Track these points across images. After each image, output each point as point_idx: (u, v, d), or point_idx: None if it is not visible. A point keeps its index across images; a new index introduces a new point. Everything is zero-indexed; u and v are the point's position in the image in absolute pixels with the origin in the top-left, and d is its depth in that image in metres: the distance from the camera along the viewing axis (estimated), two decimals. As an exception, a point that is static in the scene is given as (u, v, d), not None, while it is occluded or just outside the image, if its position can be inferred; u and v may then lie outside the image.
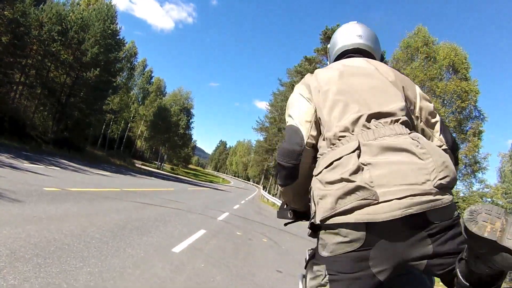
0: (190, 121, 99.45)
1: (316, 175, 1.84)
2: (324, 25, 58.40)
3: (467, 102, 31.24)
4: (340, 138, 1.85)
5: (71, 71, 41.88)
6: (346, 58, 2.44)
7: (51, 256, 5.25)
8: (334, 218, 1.66)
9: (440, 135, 2.13)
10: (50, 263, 4.94)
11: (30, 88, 39.76)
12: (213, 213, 17.15)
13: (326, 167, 1.77)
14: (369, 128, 1.84)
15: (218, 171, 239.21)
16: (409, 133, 1.84)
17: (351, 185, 1.62)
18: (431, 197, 1.60)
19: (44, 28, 36.45)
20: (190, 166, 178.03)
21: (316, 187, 1.80)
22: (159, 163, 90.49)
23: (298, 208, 2.49)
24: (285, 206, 2.53)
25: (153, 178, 37.42)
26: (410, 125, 1.97)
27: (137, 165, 61.31)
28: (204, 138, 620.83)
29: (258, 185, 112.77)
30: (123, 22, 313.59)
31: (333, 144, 1.87)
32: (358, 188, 1.61)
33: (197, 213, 15.63)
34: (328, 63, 2.67)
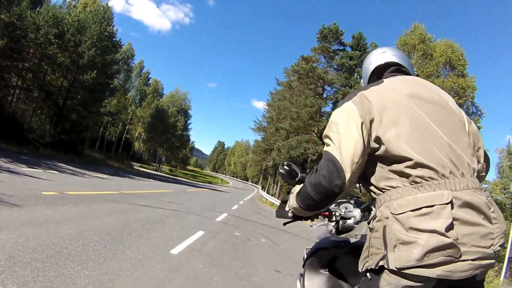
0: (188, 122, 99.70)
1: (395, 214, 1.74)
2: (321, 23, 58.46)
3: (464, 98, 31.25)
4: (428, 180, 1.75)
5: (68, 74, 41.99)
6: (391, 75, 2.30)
7: (50, 260, 5.28)
8: (416, 269, 1.64)
9: (483, 161, 2.15)
10: (48, 267, 4.97)
11: (27, 91, 39.90)
12: (211, 214, 17.19)
13: (413, 210, 1.69)
14: (456, 177, 1.78)
15: (216, 172, 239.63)
16: (484, 190, 1.84)
17: (445, 241, 1.61)
18: (490, 261, 1.70)
19: (41, 31, 36.52)
20: (189, 167, 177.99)
21: (395, 228, 1.71)
22: (158, 165, 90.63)
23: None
24: (286, 207, 2.44)
25: (151, 180, 37.57)
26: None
27: (135, 167, 61.56)
28: (202, 139, 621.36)
29: (257, 185, 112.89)
30: (120, 23, 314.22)
31: (416, 183, 1.76)
32: (451, 245, 1.61)
33: (195, 214, 15.66)
34: (362, 84, 2.56)
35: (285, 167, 2.82)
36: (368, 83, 2.39)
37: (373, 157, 1.90)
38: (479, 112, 33.47)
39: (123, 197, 15.21)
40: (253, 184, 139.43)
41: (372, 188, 1.95)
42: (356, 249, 2.42)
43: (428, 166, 1.75)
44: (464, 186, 1.75)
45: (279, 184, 63.97)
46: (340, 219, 2.93)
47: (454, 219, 1.64)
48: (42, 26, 36.52)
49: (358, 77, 53.32)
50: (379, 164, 1.89)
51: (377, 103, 1.91)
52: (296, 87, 54.52)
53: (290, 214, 2.41)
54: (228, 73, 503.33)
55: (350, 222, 2.92)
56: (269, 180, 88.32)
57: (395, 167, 1.82)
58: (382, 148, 1.84)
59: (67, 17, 41.01)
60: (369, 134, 1.87)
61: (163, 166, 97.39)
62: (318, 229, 3.36)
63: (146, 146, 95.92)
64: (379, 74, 2.38)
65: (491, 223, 1.72)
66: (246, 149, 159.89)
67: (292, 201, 2.21)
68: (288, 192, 2.47)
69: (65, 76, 41.98)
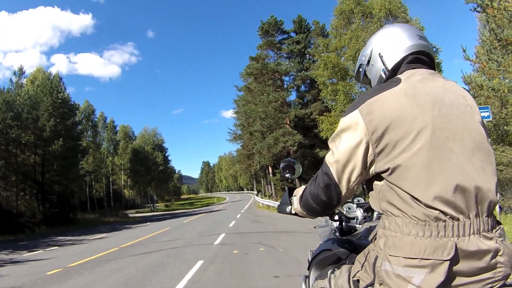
0: (166, 155, 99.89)
1: (388, 254, 1.67)
2: (259, 20, 58.37)
3: None
4: (434, 220, 1.62)
5: (37, 150, 41.94)
6: (408, 68, 1.94)
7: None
8: None
9: None
10: None
11: (4, 179, 39.74)
12: (209, 239, 17.51)
13: (406, 258, 1.61)
14: (468, 218, 1.63)
15: (211, 192, 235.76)
16: (496, 230, 1.71)
17: None
18: None
19: (-2, 118, 36.24)
20: (183, 196, 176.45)
21: (384, 269, 1.69)
22: (151, 205, 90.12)
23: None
24: (287, 201, 2.45)
25: (148, 223, 37.57)
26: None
27: (130, 215, 60.73)
28: (188, 165, 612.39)
29: (253, 191, 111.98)
30: (71, 83, 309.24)
31: (419, 220, 1.63)
32: None
33: (193, 244, 16.12)
34: (372, 71, 2.15)
35: (285, 173, 3.02)
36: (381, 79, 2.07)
37: (379, 175, 1.76)
38: (434, 49, 33.31)
39: (123, 252, 15.52)
40: (249, 191, 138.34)
41: (373, 202, 1.87)
42: (359, 250, 2.40)
43: (437, 207, 1.61)
44: (475, 230, 1.63)
45: (272, 183, 63.85)
46: (343, 219, 3.08)
47: (450, 274, 1.57)
48: (-3, 114, 36.30)
49: (310, 58, 53.71)
50: (385, 182, 1.74)
51: (389, 117, 1.68)
52: (255, 88, 54.62)
53: (288, 211, 2.43)
54: (189, 94, 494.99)
55: (353, 222, 3.03)
56: (262, 182, 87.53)
57: (401, 194, 1.67)
58: (389, 172, 1.69)
59: (18, 98, 40.99)
60: (375, 154, 1.72)
61: (157, 204, 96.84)
62: (321, 230, 3.52)
63: (135, 191, 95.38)
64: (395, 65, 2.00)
65: (494, 268, 1.62)
66: (231, 161, 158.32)
67: (296, 205, 2.21)
68: (283, 189, 2.77)
69: (35, 153, 42.02)
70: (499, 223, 1.76)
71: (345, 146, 1.75)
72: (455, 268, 1.57)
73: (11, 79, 45.92)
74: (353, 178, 1.79)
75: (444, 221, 1.60)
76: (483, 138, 1.76)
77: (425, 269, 1.56)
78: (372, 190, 1.86)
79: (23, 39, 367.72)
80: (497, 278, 1.62)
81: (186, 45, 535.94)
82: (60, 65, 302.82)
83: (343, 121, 1.80)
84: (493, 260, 1.61)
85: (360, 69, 2.27)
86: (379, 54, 2.06)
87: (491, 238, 1.65)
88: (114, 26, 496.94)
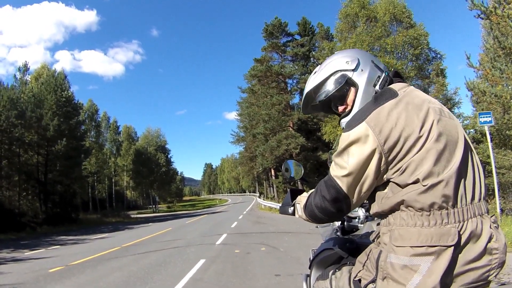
0: (169, 156, 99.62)
1: (394, 245, 1.72)
2: (264, 21, 58.07)
3: (419, 47, 30.78)
4: (437, 209, 1.69)
5: (40, 149, 41.92)
6: (396, 80, 2.06)
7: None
8: None
9: None
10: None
11: (7, 178, 39.71)
12: (211, 239, 17.55)
13: (413, 247, 1.67)
14: (466, 204, 1.72)
15: (213, 194, 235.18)
16: (491, 216, 1.80)
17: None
18: None
19: (2, 116, 36.40)
20: (185, 198, 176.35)
21: (390, 261, 1.73)
22: (153, 206, 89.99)
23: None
24: (289, 203, 2.51)
25: (150, 224, 37.41)
26: None
27: (132, 216, 60.57)
28: (190, 167, 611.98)
29: (255, 193, 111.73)
30: (75, 81, 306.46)
31: (424, 211, 1.70)
32: None
33: (195, 244, 16.12)
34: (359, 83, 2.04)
35: (285, 172, 3.08)
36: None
37: (384, 180, 1.82)
38: (438, 55, 32.78)
39: (125, 251, 15.54)
40: (251, 194, 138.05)
41: (373, 207, 1.92)
42: (361, 249, 2.37)
43: (441, 194, 1.67)
44: (472, 214, 1.71)
45: (274, 185, 63.75)
46: (345, 219, 3.13)
47: (453, 261, 1.63)
48: (1, 112, 36.30)
49: (314, 61, 53.61)
50: (390, 186, 1.80)
51: (399, 126, 1.74)
52: (258, 90, 54.54)
53: (290, 212, 2.48)
54: (192, 96, 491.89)
55: (354, 221, 3.08)
56: (264, 184, 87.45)
57: (407, 191, 1.72)
58: (397, 175, 1.75)
59: (22, 95, 40.88)
60: (388, 163, 1.76)
61: (159, 205, 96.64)
62: (323, 229, 3.54)
63: (137, 192, 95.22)
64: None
65: (490, 254, 1.70)
66: (233, 163, 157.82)
67: (301, 213, 2.20)
68: (285, 191, 2.77)
69: (38, 152, 41.97)
70: (493, 215, 1.84)
71: (356, 159, 1.77)
72: (456, 253, 1.65)
73: (15, 76, 46.17)
74: (364, 189, 1.82)
75: (447, 208, 1.68)
76: (463, 132, 1.87)
77: (431, 256, 1.62)
78: (374, 197, 1.89)
79: (27, 34, 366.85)
80: (493, 265, 1.70)
81: (190, 45, 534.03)
82: (64, 61, 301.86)
83: (351, 134, 1.79)
84: (489, 245, 1.69)
85: (332, 76, 2.11)
86: (372, 61, 2.09)
87: (485, 222, 1.74)
88: (118, 23, 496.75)
